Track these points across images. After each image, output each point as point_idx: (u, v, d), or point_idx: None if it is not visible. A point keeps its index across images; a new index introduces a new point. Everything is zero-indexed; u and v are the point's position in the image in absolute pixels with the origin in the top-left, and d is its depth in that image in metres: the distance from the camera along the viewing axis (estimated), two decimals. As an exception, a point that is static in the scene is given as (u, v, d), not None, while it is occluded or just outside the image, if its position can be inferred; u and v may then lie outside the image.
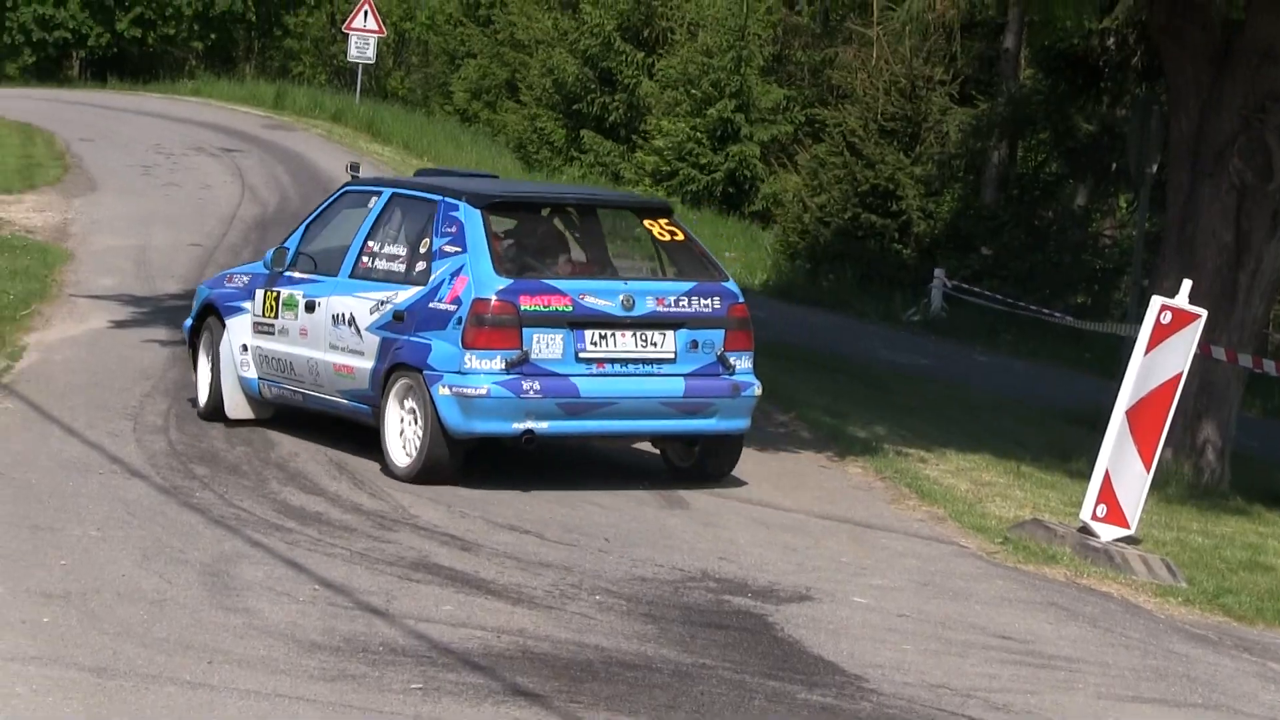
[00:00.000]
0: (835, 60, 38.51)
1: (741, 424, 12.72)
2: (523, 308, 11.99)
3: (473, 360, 11.95)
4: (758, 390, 12.72)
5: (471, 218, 12.36)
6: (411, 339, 12.28)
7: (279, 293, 13.55)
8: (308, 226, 13.84)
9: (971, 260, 30.44)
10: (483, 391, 11.94)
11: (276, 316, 13.52)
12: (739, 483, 13.27)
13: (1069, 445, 16.36)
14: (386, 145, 39.75)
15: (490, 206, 12.52)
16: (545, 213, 13.08)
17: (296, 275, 13.51)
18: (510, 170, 38.44)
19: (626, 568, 10.54)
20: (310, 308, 13.23)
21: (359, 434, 13.72)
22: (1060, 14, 16.60)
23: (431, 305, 12.23)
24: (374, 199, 13.29)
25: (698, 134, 38.00)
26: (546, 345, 12.03)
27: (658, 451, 13.35)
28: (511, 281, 12.08)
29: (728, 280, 12.73)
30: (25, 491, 11.26)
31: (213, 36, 65.98)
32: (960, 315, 28.10)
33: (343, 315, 12.90)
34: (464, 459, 12.32)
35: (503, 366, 11.96)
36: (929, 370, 22.18)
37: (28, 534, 10.23)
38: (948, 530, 12.50)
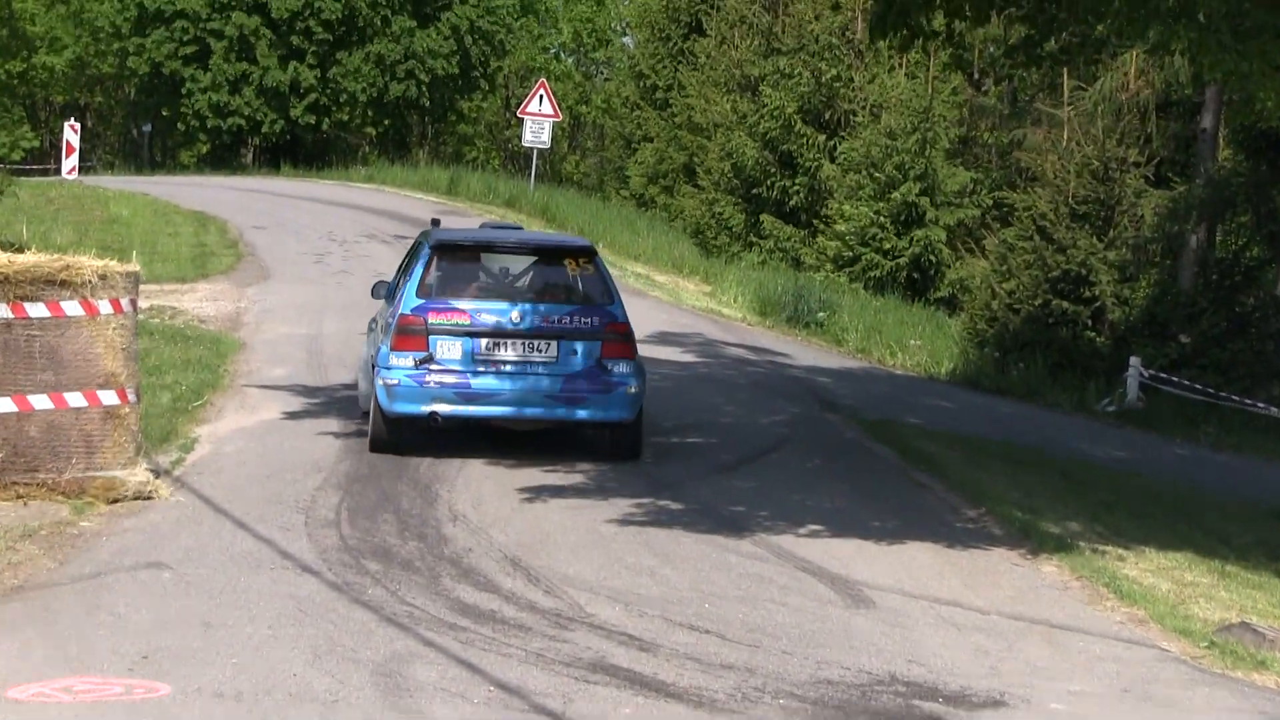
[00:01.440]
0: (1024, 142, 38.22)
1: (618, 414, 16.44)
2: (430, 320, 16.22)
3: (394, 359, 16.19)
4: (632, 389, 16.38)
5: (425, 255, 16.64)
6: (380, 343, 16.56)
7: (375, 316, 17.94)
8: (401, 265, 17.96)
9: (1169, 348, 29.99)
10: (395, 382, 16.15)
11: (370, 332, 17.92)
12: (927, 581, 13.09)
13: (1277, 543, 15.98)
14: (562, 230, 40.03)
15: (438, 247, 16.71)
16: (484, 251, 17.01)
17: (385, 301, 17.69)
18: (687, 256, 38.67)
19: (811, 670, 10.41)
20: (373, 325, 17.70)
21: (533, 530, 13.72)
22: (1261, 95, 16.35)
23: (388, 318, 16.63)
24: (418, 242, 17.53)
25: (881, 218, 37.83)
26: (449, 349, 16.18)
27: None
28: (424, 301, 16.30)
29: (613, 304, 16.54)
30: (197, 587, 11.33)
31: (386, 122, 66.86)
32: (1158, 406, 27.66)
33: (377, 330, 17.20)
34: (400, 434, 16.30)
35: (413, 364, 16.12)
36: (1125, 463, 21.81)
37: (199, 631, 10.29)
38: (1149, 633, 12.21)
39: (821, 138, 40.88)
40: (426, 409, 16.13)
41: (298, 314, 26.31)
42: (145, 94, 67.14)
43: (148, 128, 68.34)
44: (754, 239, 41.65)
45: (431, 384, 16.12)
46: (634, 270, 36.07)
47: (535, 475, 15.92)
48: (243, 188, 48.20)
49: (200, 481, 14.79)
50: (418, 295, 16.30)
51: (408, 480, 15.39)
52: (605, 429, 16.71)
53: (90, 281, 13.95)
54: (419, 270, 16.44)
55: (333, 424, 17.85)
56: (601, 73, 75.12)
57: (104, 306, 13.93)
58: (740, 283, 34.92)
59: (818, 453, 18.56)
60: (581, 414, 16.32)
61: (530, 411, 16.25)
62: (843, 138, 40.30)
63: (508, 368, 16.18)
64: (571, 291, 16.60)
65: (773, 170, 41.49)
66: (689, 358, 25.30)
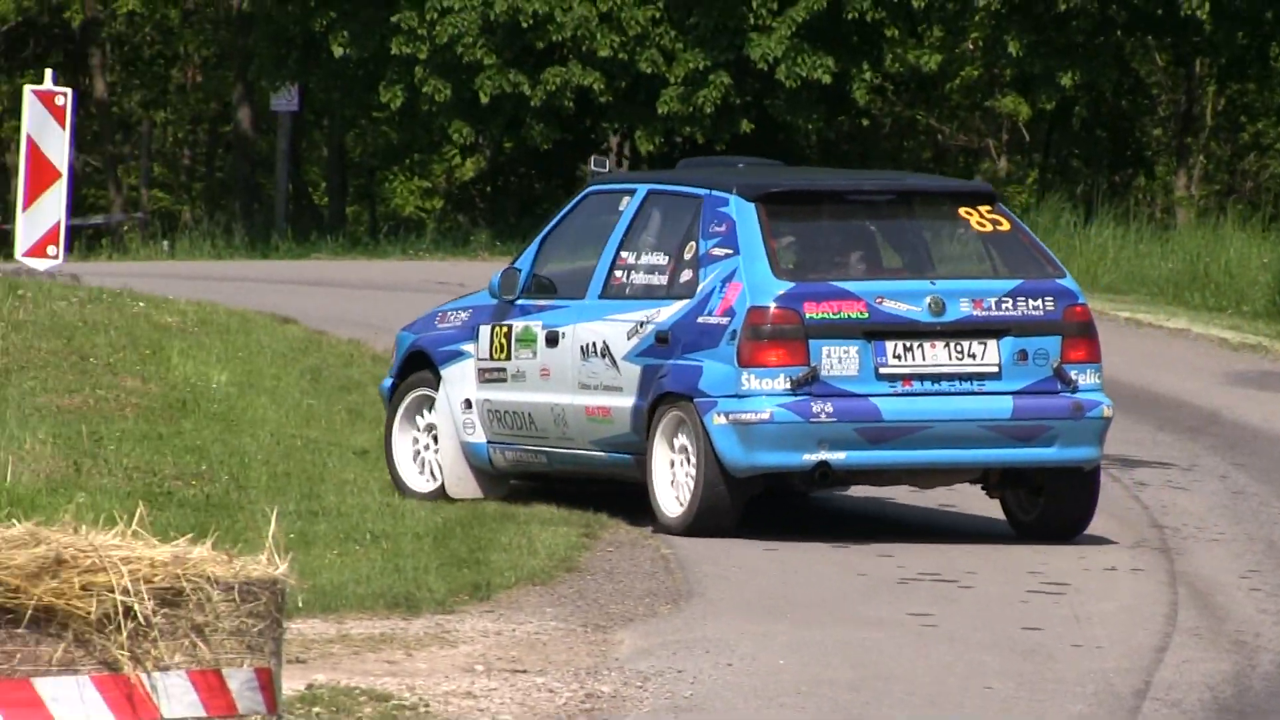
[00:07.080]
0: None
1: (1089, 453, 13.24)
2: (808, 316, 13.03)
3: (751, 380, 12.96)
4: (1107, 410, 13.24)
5: (744, 213, 13.23)
6: (679, 363, 13.13)
7: (511, 326, 13.96)
8: (544, 241, 14.26)
9: None
10: (765, 416, 12.90)
11: (509, 357, 13.95)
12: None
13: None
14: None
15: (766, 198, 13.31)
16: (835, 204, 13.94)
17: (532, 303, 13.92)
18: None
19: None
20: (552, 340, 13.76)
21: None
22: None
23: (700, 320, 13.16)
24: (626, 200, 14.02)
25: None
26: (839, 360, 13.06)
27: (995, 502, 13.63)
28: (793, 285, 13.04)
29: (1064, 276, 13.43)
30: None
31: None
32: None
33: (593, 345, 13.56)
34: (744, 504, 12.96)
35: (787, 386, 12.97)
36: None
37: None
38: None
39: None
40: (812, 458, 13.01)
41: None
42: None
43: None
44: None
45: (822, 416, 13.00)
46: None
47: None
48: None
49: None
50: (777, 276, 13.13)
51: None
52: (1058, 478, 13.41)
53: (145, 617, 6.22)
54: (752, 237, 13.22)
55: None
56: None
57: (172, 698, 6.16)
58: None
59: None
60: (1043, 454, 13.27)
61: (971, 455, 13.30)
62: None
63: (929, 385, 13.30)
64: (998, 260, 13.75)
65: None
66: None
